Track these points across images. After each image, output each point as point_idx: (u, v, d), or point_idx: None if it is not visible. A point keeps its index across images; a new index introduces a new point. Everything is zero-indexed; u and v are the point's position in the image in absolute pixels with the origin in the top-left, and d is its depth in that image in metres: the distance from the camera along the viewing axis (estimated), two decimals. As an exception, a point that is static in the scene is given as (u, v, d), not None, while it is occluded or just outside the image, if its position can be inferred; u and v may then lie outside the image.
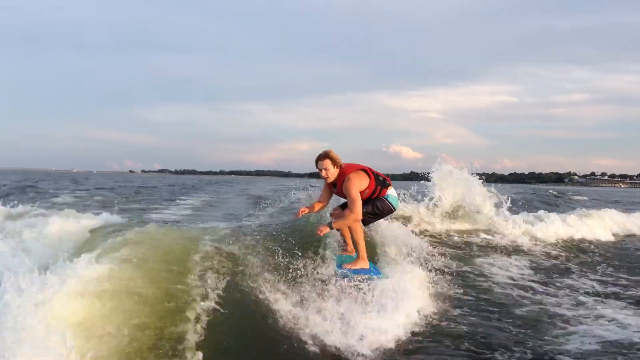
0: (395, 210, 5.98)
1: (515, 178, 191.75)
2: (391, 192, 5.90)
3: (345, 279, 5.19)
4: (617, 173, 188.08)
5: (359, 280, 5.16)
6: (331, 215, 5.95)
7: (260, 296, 4.71)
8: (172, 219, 12.17)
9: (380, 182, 5.81)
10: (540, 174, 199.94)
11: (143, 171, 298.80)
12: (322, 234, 5.54)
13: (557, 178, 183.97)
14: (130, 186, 35.14)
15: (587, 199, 30.88)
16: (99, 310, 3.53)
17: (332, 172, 5.58)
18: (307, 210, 5.83)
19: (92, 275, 3.82)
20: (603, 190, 75.29)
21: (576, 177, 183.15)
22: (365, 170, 5.70)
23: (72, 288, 3.53)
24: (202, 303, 4.11)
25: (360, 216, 5.43)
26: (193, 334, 3.67)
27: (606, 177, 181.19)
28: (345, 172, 5.59)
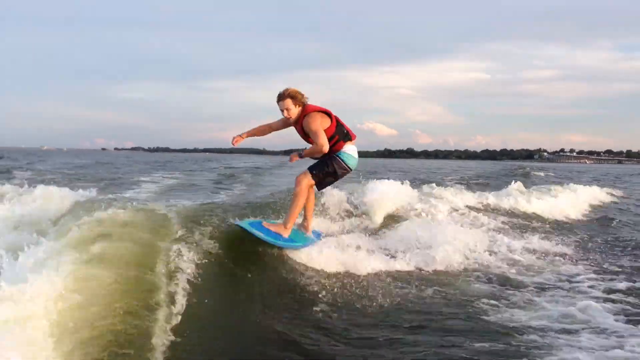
0: (351, 170, 5.56)
1: (488, 155, 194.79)
2: (349, 148, 5.49)
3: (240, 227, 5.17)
4: (586, 149, 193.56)
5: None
6: (300, 155, 5.51)
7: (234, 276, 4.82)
8: (141, 197, 12.06)
9: (342, 133, 5.45)
10: (512, 150, 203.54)
11: (116, 149, 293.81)
12: (292, 161, 5.56)
13: (527, 155, 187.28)
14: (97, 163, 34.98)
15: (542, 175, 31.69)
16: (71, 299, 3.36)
17: (294, 112, 5.30)
18: (241, 139, 5.67)
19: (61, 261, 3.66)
20: (565, 166, 76.94)
21: (545, 153, 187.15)
22: (328, 114, 5.39)
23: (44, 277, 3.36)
24: (176, 283, 4.10)
25: (326, 147, 5.22)
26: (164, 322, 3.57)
27: (574, 154, 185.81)
28: (307, 110, 5.33)
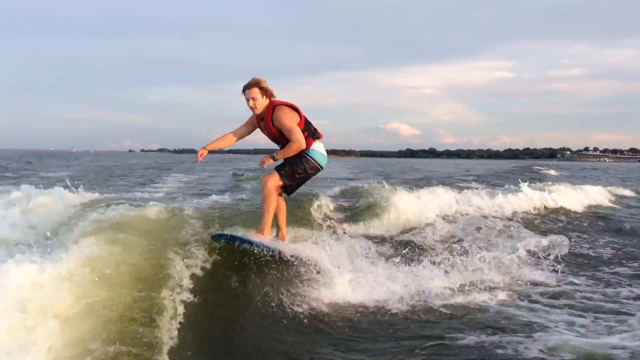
0: (322, 169, 5.21)
1: (510, 154, 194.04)
2: (317, 146, 5.15)
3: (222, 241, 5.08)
4: (611, 148, 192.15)
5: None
6: (273, 158, 5.10)
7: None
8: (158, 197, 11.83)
9: (311, 130, 5.13)
10: (534, 149, 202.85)
11: (142, 150, 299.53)
12: (264, 166, 5.09)
13: (550, 153, 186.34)
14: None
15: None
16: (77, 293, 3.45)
17: (260, 103, 4.98)
18: (206, 153, 5.21)
19: (73, 258, 3.72)
20: (577, 165, 75.15)
21: (568, 152, 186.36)
22: (296, 110, 5.10)
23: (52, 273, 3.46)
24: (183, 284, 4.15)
25: (304, 143, 4.95)
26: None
27: (597, 152, 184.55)
28: (275, 104, 5.03)
